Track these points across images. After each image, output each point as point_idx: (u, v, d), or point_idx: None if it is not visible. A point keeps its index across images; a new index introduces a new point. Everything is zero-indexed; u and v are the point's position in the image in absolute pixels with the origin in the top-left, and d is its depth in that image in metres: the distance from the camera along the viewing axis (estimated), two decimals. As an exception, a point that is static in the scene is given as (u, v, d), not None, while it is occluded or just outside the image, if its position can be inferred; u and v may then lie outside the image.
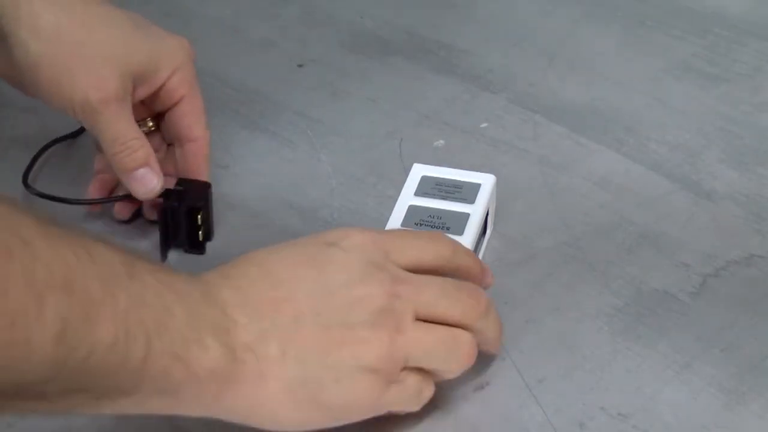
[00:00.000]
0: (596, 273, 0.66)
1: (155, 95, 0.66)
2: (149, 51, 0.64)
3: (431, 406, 0.58)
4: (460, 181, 0.67)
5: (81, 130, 0.78)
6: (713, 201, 0.72)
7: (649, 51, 0.86)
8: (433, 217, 0.65)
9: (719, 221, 0.70)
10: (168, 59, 0.65)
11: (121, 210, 0.68)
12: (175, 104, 0.66)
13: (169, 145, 0.70)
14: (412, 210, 0.65)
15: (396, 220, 0.65)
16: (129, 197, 0.67)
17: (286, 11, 0.91)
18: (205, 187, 0.68)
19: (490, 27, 0.90)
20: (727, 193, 0.72)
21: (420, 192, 0.67)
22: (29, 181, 0.72)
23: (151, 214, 0.67)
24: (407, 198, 0.66)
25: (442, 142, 0.78)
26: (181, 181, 0.67)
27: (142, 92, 0.65)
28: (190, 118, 0.67)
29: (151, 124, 0.68)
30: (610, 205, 0.72)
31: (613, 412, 0.58)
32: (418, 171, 0.68)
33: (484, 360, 0.60)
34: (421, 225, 0.64)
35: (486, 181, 0.67)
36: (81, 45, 0.62)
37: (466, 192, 0.67)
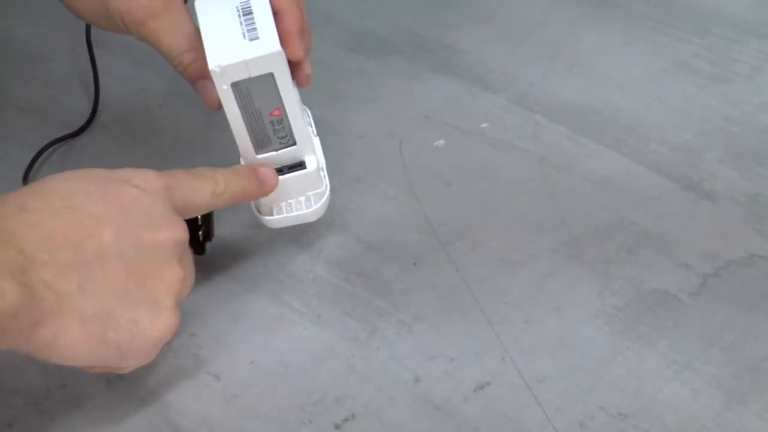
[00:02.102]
0: (596, 273, 0.66)
1: None
2: None
3: (431, 406, 0.58)
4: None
5: (81, 130, 0.78)
6: (713, 201, 0.72)
7: (649, 51, 0.87)
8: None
9: (719, 221, 0.70)
10: None
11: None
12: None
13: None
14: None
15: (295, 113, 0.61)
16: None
17: (286, 11, 0.91)
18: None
19: (490, 27, 0.90)
20: (727, 193, 0.72)
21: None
22: (29, 181, 0.72)
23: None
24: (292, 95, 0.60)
25: (442, 142, 0.78)
26: None
27: None
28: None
29: None
30: (610, 205, 0.72)
31: (613, 412, 0.58)
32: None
33: (484, 360, 0.61)
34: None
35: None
36: None
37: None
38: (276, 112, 0.60)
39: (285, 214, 0.64)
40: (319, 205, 0.64)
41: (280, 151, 0.62)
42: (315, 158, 0.63)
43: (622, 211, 0.71)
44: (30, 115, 0.80)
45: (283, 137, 0.61)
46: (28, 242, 0.48)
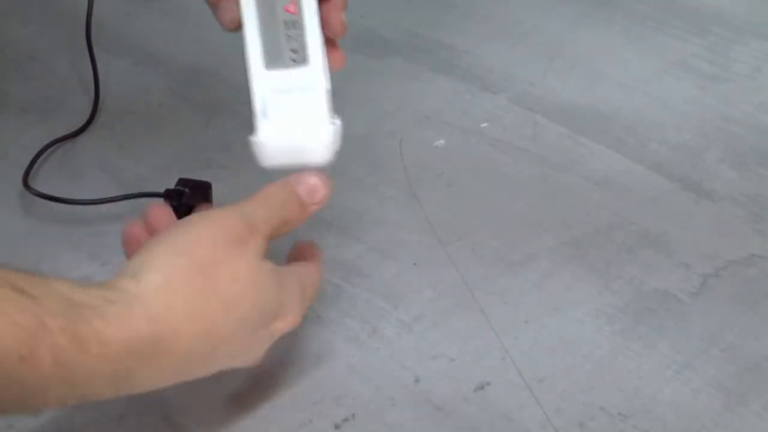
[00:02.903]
0: (596, 273, 0.66)
1: None
2: None
3: (431, 406, 0.58)
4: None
5: (81, 130, 0.78)
6: (713, 201, 0.72)
7: (649, 51, 0.87)
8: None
9: (719, 221, 0.70)
10: None
11: None
12: None
13: None
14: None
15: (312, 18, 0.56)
16: (128, 197, 0.67)
17: (286, 11, 0.91)
18: (206, 187, 0.68)
19: (490, 27, 0.90)
20: (727, 193, 0.72)
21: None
22: (29, 181, 0.72)
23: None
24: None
25: (442, 142, 0.78)
26: (182, 181, 0.67)
27: None
28: None
29: None
30: (610, 205, 0.72)
31: (613, 412, 0.58)
32: None
33: (484, 360, 0.60)
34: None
35: None
36: None
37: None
38: (292, 8, 0.56)
39: (283, 141, 0.57)
40: (326, 140, 0.56)
41: (291, 70, 0.56)
42: (327, 82, 0.56)
43: (622, 211, 0.71)
44: (30, 115, 0.79)
45: (295, 50, 0.56)
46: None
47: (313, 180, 0.56)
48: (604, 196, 0.72)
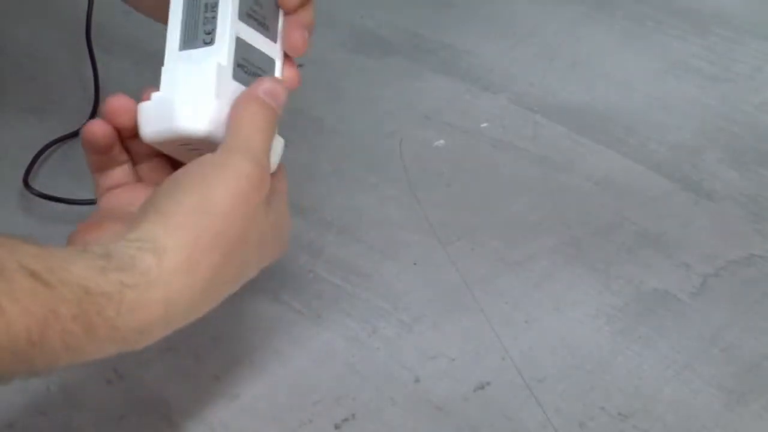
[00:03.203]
0: (596, 273, 0.66)
1: None
2: None
3: (431, 406, 0.58)
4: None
5: (81, 130, 0.78)
6: (713, 201, 0.72)
7: (649, 51, 0.87)
8: (257, 5, 0.56)
9: (719, 221, 0.70)
10: None
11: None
12: None
13: None
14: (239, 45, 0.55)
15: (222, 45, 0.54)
16: None
17: (286, 11, 0.92)
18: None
19: (490, 27, 0.90)
20: (727, 193, 0.72)
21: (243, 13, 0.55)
22: (29, 181, 0.72)
23: None
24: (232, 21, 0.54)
25: (442, 142, 0.78)
26: None
27: None
28: None
29: None
30: (610, 205, 0.72)
31: (613, 412, 0.58)
32: None
33: (484, 360, 0.60)
34: (249, 17, 0.55)
35: None
36: None
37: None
38: None
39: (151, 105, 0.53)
40: (203, 111, 0.52)
41: (199, 50, 0.54)
42: (225, 59, 0.53)
43: (622, 211, 0.71)
44: (30, 115, 0.79)
45: (208, 32, 0.54)
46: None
47: (268, 83, 0.54)
48: (604, 196, 0.72)
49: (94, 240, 0.50)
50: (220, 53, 0.53)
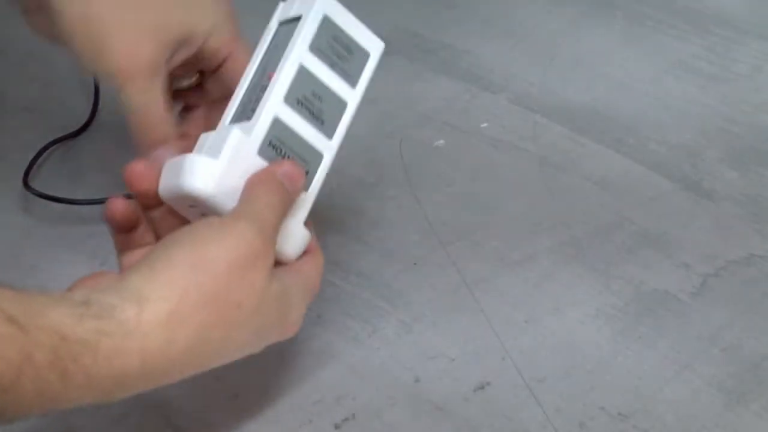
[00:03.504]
0: (596, 273, 0.66)
1: (196, 57, 0.61)
2: (184, 13, 0.59)
3: (431, 406, 0.58)
4: (354, 42, 0.58)
5: (81, 130, 0.78)
6: (713, 201, 0.72)
7: (649, 51, 0.87)
8: (315, 97, 0.56)
9: (719, 221, 0.70)
10: (203, 21, 0.60)
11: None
12: (220, 65, 0.62)
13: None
14: (302, 75, 0.55)
15: (284, 79, 0.54)
16: (128, 197, 0.66)
17: (286, 11, 0.92)
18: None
19: (490, 27, 0.90)
20: (727, 193, 0.72)
21: (316, 45, 0.56)
22: (29, 181, 0.72)
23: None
24: (300, 49, 0.55)
25: (442, 142, 0.78)
26: None
27: (180, 57, 0.60)
28: (236, 79, 0.60)
29: (194, 79, 0.64)
30: (610, 205, 0.72)
31: (613, 412, 0.58)
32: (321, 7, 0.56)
33: (484, 360, 0.60)
34: (299, 104, 0.55)
35: (374, 49, 0.59)
36: (115, 11, 0.58)
37: (355, 61, 0.58)
38: (272, 75, 0.55)
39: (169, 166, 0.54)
40: (205, 175, 0.51)
41: (242, 123, 0.54)
42: (251, 132, 0.53)
43: (622, 211, 0.71)
44: (30, 115, 0.79)
45: (252, 110, 0.55)
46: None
47: (288, 166, 0.53)
48: (604, 196, 0.72)
49: (91, 286, 0.49)
50: (250, 126, 0.53)
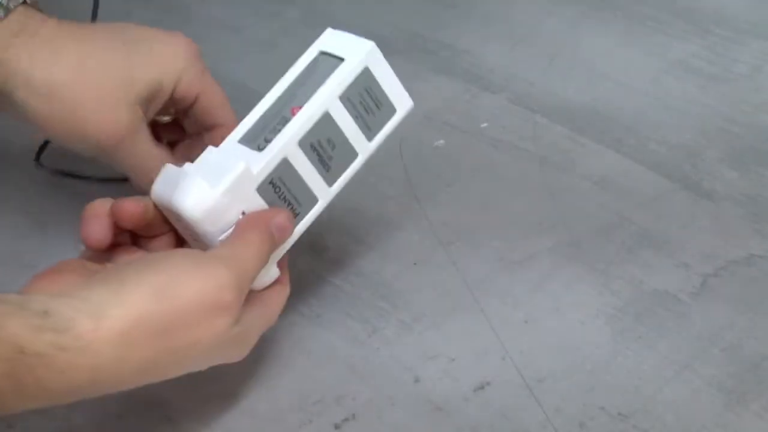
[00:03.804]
0: (596, 273, 0.66)
1: (170, 102, 0.63)
2: (147, 69, 0.60)
3: (431, 406, 0.58)
4: (385, 96, 0.59)
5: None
6: (713, 201, 0.72)
7: (649, 51, 0.87)
8: (329, 144, 0.57)
9: (719, 221, 0.70)
10: (168, 70, 0.61)
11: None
12: (193, 103, 0.63)
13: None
14: (325, 121, 0.56)
15: (305, 123, 0.55)
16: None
17: (287, 11, 0.92)
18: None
19: (490, 27, 0.90)
20: (727, 193, 0.72)
21: (347, 96, 0.57)
22: (41, 158, 0.73)
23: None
24: (332, 97, 0.56)
25: (442, 142, 0.78)
26: None
27: (155, 107, 0.62)
28: (211, 112, 0.63)
29: (167, 117, 0.66)
30: (610, 205, 0.72)
31: (613, 412, 0.58)
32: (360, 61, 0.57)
33: (484, 360, 0.60)
34: (312, 149, 0.56)
35: (402, 107, 0.60)
36: (80, 92, 0.59)
37: (380, 115, 0.59)
38: (295, 111, 0.56)
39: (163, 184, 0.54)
40: (197, 199, 0.52)
41: (251, 151, 0.55)
42: (257, 169, 0.54)
43: (622, 211, 0.71)
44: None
45: (266, 140, 0.56)
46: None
47: (282, 219, 0.54)
48: (604, 196, 0.72)
49: (47, 289, 0.49)
50: (258, 162, 0.54)
